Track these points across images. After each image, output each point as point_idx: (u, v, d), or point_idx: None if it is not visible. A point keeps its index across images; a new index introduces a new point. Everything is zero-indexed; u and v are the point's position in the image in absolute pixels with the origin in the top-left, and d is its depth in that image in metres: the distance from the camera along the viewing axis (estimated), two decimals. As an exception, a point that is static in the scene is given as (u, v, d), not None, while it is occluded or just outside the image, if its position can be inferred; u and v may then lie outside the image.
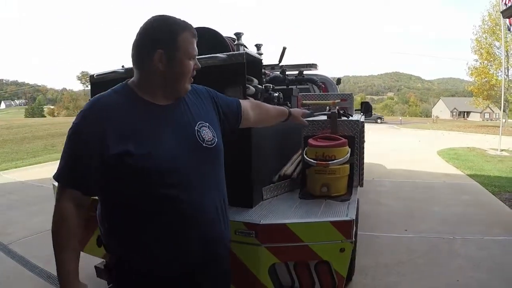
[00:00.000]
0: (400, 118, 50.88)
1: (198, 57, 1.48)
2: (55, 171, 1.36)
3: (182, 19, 1.44)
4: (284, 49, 3.25)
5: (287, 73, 3.86)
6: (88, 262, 2.76)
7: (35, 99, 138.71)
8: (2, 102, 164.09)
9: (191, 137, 1.42)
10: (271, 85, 2.81)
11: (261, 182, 2.47)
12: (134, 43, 1.40)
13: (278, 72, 4.12)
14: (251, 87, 2.35)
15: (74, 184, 1.32)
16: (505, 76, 28.32)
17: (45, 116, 78.65)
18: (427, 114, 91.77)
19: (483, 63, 29.23)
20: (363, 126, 2.81)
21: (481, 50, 28.89)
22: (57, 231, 1.32)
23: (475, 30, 30.02)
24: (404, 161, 10.49)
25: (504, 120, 31.04)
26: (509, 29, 22.72)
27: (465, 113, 78.46)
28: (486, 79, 29.22)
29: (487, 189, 7.08)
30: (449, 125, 35.39)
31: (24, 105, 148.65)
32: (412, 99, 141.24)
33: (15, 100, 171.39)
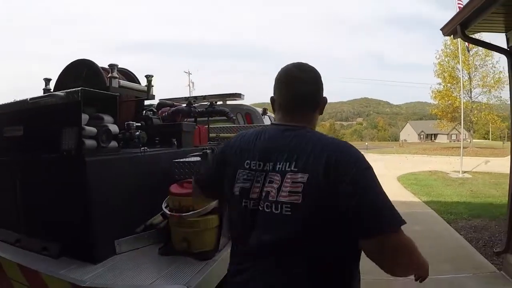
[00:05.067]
0: (366, 143, 51.40)
1: (35, 97, 1.33)
2: None
3: None
4: (150, 80, 2.95)
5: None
6: None
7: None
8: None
9: None
10: (134, 122, 2.56)
11: (111, 234, 2.14)
12: None
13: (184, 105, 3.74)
14: (87, 128, 2.02)
15: None
16: (468, 98, 29.16)
17: None
18: (396, 138, 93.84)
19: (447, 86, 29.94)
20: None
21: (444, 73, 29.74)
22: None
23: (437, 54, 31.04)
24: (361, 189, 9.98)
25: (469, 141, 31.83)
26: (468, 51, 23.50)
27: (433, 136, 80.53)
28: (449, 101, 29.82)
29: (442, 217, 6.80)
30: (415, 148, 35.80)
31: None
32: (380, 123, 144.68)
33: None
